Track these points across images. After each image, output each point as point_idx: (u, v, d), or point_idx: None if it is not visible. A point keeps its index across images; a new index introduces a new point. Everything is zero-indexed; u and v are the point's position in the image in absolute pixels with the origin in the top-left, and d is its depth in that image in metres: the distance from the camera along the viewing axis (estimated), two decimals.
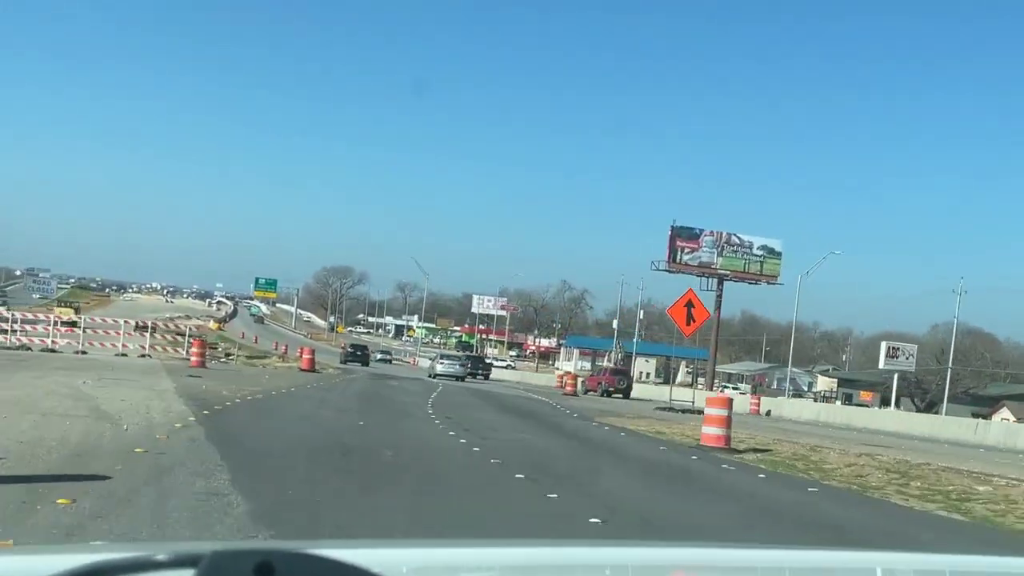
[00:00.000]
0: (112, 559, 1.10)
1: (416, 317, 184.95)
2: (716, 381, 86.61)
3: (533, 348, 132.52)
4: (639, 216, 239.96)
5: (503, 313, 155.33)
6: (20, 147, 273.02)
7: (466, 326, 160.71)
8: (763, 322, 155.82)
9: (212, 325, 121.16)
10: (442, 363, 51.93)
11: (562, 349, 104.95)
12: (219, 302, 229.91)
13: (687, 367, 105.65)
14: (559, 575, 1.95)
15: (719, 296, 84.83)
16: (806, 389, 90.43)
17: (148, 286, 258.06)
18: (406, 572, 1.76)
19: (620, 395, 48.76)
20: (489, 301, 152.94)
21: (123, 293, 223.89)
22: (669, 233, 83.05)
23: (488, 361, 76.13)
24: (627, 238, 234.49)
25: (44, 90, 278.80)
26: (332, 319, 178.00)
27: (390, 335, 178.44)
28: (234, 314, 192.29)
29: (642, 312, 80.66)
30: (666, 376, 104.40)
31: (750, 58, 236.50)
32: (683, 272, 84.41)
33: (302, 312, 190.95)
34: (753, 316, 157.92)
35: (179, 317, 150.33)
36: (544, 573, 1.93)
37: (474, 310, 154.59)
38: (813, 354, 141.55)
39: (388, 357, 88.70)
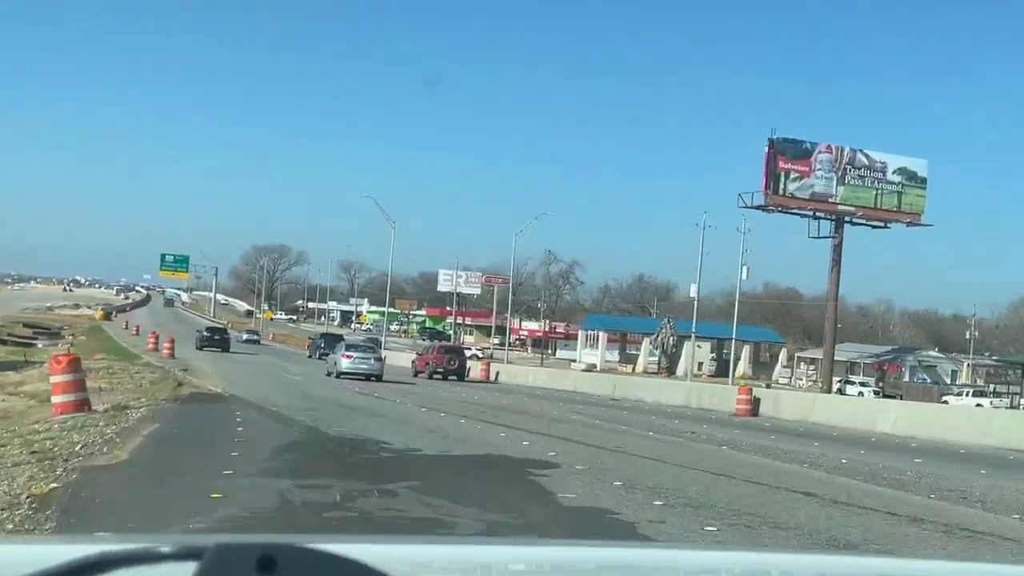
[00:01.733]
0: (117, 550, 1.11)
1: (366, 300, 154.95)
2: (806, 373, 58.55)
3: (526, 333, 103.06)
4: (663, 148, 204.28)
5: (476, 291, 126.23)
6: None
7: (427, 307, 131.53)
8: (791, 294, 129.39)
9: (97, 315, 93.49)
10: (348, 357, 35.62)
11: (581, 333, 76.34)
12: (135, 291, 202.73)
13: (750, 353, 77.76)
14: (563, 575, 1.89)
15: (838, 245, 56.85)
16: (949, 380, 62.74)
17: (74, 279, 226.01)
18: (407, 568, 1.72)
19: (454, 376, 41.66)
20: (460, 276, 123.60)
21: (11, 284, 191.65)
22: (766, 150, 54.50)
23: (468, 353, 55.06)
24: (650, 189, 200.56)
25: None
26: (265, 305, 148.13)
27: (335, 322, 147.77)
28: (145, 301, 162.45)
29: (746, 271, 52.01)
30: (722, 366, 76.22)
31: None
32: (787, 210, 56.11)
33: (223, 297, 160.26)
34: (775, 285, 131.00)
35: (61, 306, 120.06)
36: (547, 573, 1.89)
37: (441, 288, 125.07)
38: (860, 332, 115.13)
39: (255, 338, 78.37)
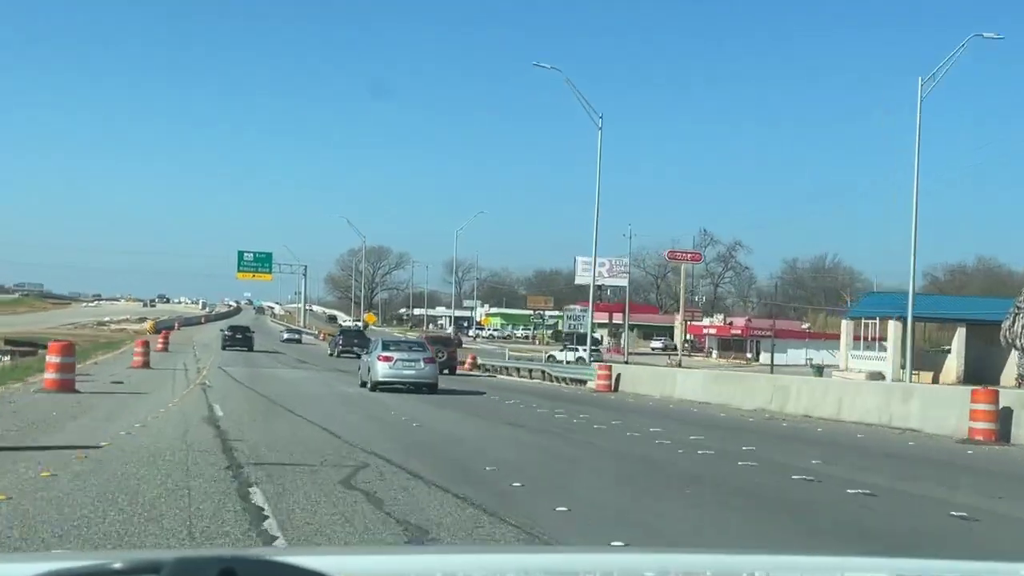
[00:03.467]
0: (67, 568, 1.06)
1: (486, 304, 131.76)
2: None
3: (711, 331, 77.27)
4: None
5: (623, 282, 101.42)
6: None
7: (579, 303, 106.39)
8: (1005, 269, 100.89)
9: (148, 326, 77.15)
10: (387, 360, 26.25)
11: (844, 324, 50.74)
12: (227, 305, 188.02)
13: None
14: None
15: None
16: None
17: (161, 295, 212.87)
18: None
19: (447, 369, 37.86)
20: (603, 265, 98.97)
21: (91, 302, 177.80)
22: None
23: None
24: None
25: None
26: (362, 316, 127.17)
27: (447, 329, 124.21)
28: (231, 313, 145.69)
29: None
30: None
31: None
32: None
33: (317, 308, 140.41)
34: (989, 260, 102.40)
35: (121, 320, 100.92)
36: None
37: (579, 281, 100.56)
38: None
39: (296, 337, 76.53)
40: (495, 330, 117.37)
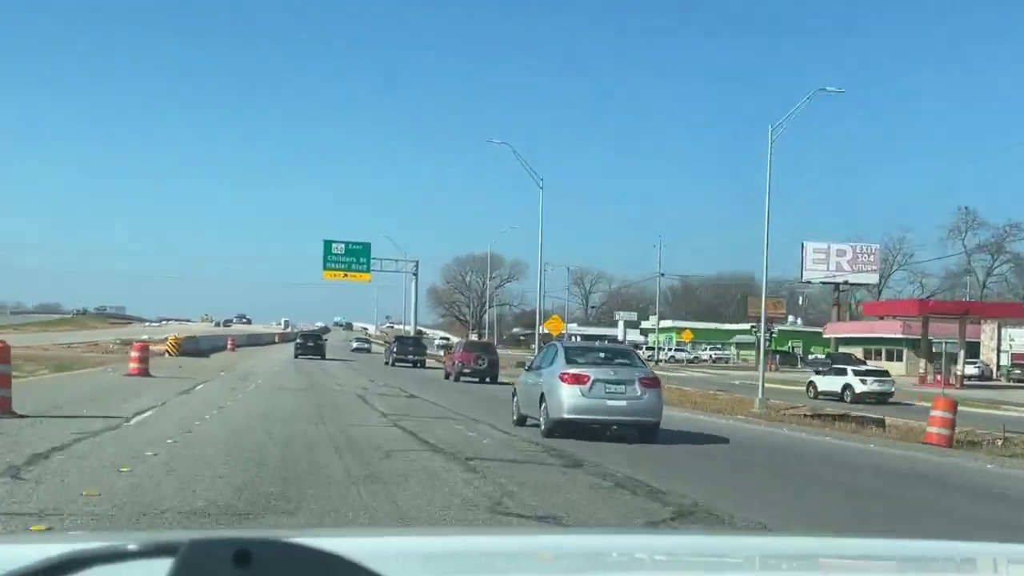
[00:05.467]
0: (88, 548, 1.07)
1: (649, 318, 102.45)
2: None
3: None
4: None
5: (871, 278, 71.13)
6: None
7: (866, 306, 77.36)
8: None
9: (169, 342, 49.22)
10: (579, 382, 15.85)
11: None
12: (314, 326, 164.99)
13: None
14: (539, 563, 1.95)
15: None
16: None
17: (241, 316, 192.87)
18: (385, 561, 1.71)
19: (488, 378, 37.16)
20: (842, 255, 68.53)
21: (156, 322, 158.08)
22: None
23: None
24: None
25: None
26: (475, 334, 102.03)
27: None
28: (319, 332, 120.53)
29: None
30: None
31: None
32: None
33: (430, 331, 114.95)
34: None
35: (161, 340, 76.25)
36: (526, 561, 1.95)
37: (808, 276, 70.37)
38: None
39: (366, 346, 78.27)
40: (677, 349, 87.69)
